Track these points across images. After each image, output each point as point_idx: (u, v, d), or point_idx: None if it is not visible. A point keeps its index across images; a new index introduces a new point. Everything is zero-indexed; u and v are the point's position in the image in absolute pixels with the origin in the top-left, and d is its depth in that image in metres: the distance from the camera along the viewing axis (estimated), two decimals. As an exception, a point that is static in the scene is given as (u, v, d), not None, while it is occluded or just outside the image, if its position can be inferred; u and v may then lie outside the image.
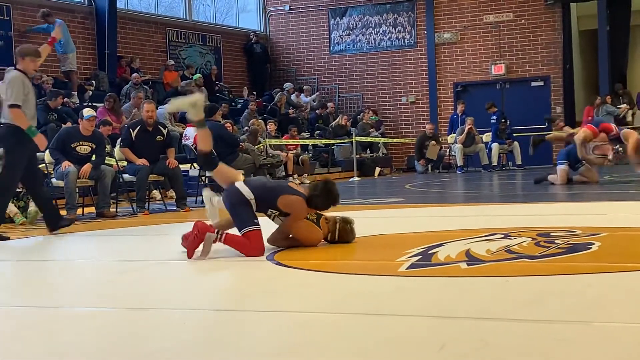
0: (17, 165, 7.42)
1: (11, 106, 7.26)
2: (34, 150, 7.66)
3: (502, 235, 5.91)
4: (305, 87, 21.88)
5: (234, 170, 6.13)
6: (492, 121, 18.80)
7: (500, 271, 4.54)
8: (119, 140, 11.82)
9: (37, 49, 7.73)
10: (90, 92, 16.27)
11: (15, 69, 7.54)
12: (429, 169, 19.08)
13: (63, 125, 12.30)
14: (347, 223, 5.95)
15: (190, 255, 5.50)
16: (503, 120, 18.77)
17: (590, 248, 5.20)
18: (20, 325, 3.67)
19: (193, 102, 5.86)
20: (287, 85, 21.27)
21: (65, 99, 14.77)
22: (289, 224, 5.77)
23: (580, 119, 18.75)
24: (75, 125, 9.96)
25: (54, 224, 7.79)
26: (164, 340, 3.27)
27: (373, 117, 20.92)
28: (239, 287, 4.60)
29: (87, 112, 9.93)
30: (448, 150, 19.50)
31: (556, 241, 5.51)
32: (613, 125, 12.03)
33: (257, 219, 5.65)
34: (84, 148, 9.74)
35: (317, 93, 21.81)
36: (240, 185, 5.75)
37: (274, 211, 5.74)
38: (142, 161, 10.00)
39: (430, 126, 19.52)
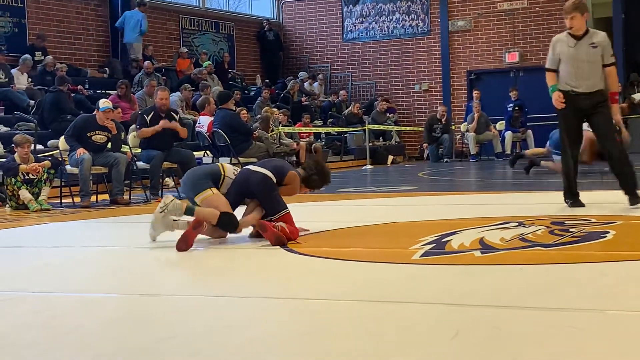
0: (566, 127, 7.29)
1: (545, 69, 7.65)
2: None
3: (516, 224, 5.88)
4: (319, 76, 21.82)
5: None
6: (509, 108, 18.67)
7: (514, 259, 4.53)
8: (131, 127, 11.85)
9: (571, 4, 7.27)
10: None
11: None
12: (442, 157, 19.01)
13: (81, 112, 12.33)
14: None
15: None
16: (517, 108, 18.66)
17: (605, 237, 5.17)
18: (33, 311, 3.69)
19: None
20: (302, 74, 21.22)
21: (79, 87, 14.83)
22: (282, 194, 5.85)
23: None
24: (94, 114, 9.97)
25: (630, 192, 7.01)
26: (174, 326, 3.28)
27: (391, 117, 20.66)
28: (252, 274, 4.61)
29: (103, 103, 9.91)
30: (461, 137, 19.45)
31: (571, 229, 5.49)
32: None
33: None
34: (99, 137, 9.77)
35: (319, 81, 21.62)
36: (260, 169, 5.78)
37: None
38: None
39: (442, 108, 19.40)
